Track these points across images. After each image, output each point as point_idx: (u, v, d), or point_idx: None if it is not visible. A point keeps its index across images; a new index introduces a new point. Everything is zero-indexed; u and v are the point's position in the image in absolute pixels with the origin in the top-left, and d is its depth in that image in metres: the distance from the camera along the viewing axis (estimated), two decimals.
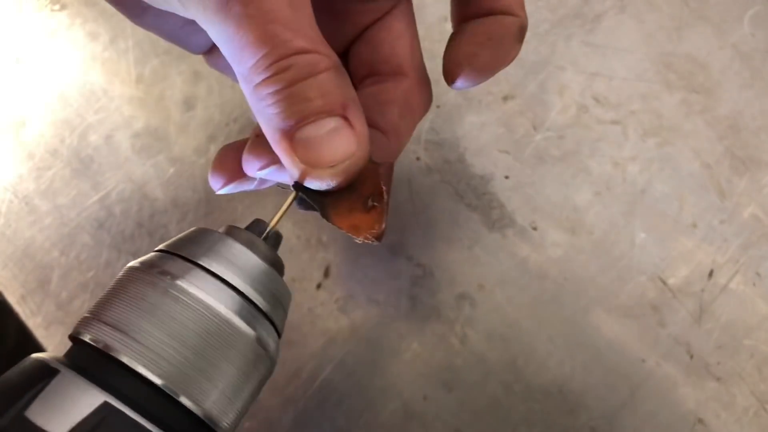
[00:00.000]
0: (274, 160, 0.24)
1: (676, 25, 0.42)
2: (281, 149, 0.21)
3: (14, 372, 0.20)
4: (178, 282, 0.21)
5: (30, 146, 0.41)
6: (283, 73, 0.20)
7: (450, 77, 0.26)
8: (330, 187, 0.23)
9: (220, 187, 0.27)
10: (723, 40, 0.42)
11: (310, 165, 0.21)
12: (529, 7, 0.44)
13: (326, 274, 0.37)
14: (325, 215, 0.25)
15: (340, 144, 0.21)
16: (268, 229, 0.24)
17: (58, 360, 0.20)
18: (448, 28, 0.42)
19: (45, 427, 0.18)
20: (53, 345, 0.37)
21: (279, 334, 0.24)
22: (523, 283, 0.37)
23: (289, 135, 0.21)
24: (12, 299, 0.38)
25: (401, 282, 0.37)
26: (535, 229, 0.38)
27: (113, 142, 0.40)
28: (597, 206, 0.38)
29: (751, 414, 0.35)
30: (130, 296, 0.21)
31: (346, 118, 0.21)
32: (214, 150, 0.40)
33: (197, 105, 0.41)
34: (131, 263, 0.23)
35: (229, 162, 0.26)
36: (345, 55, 0.28)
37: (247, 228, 0.24)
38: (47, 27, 0.43)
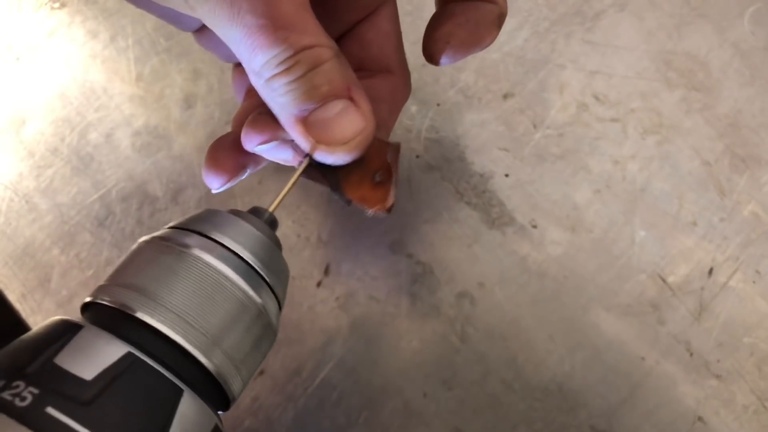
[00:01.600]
0: (274, 137, 0.26)
1: (676, 22, 0.42)
2: (297, 132, 0.24)
3: (38, 330, 0.21)
4: (192, 251, 0.23)
5: (30, 144, 0.41)
6: (292, 67, 0.22)
7: (427, 53, 0.29)
8: (344, 162, 0.25)
9: (219, 186, 0.28)
10: (723, 38, 0.42)
11: (325, 143, 0.24)
12: (529, 5, 0.44)
13: (326, 272, 0.37)
14: (336, 187, 0.27)
15: (350, 122, 0.23)
16: (267, 213, 0.27)
17: (80, 319, 0.21)
18: None
19: (74, 372, 0.19)
20: None
21: (280, 307, 0.26)
22: (523, 281, 0.37)
23: (303, 119, 0.23)
24: (12, 297, 0.38)
25: (401, 280, 0.37)
26: (534, 227, 0.38)
27: (113, 140, 0.41)
28: (597, 204, 0.39)
29: (751, 412, 0.35)
30: (145, 261, 0.23)
31: (352, 99, 0.23)
32: None
33: (197, 103, 0.41)
34: (143, 238, 0.24)
35: (223, 159, 0.28)
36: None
37: (249, 212, 0.26)
38: (47, 25, 0.43)
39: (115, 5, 0.43)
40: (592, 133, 0.40)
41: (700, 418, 0.35)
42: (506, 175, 0.39)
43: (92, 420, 0.18)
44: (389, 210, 0.27)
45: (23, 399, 0.18)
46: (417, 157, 0.40)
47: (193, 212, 0.38)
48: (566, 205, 0.38)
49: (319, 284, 0.37)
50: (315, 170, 0.27)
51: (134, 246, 0.24)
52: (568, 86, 0.41)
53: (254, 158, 0.29)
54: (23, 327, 0.37)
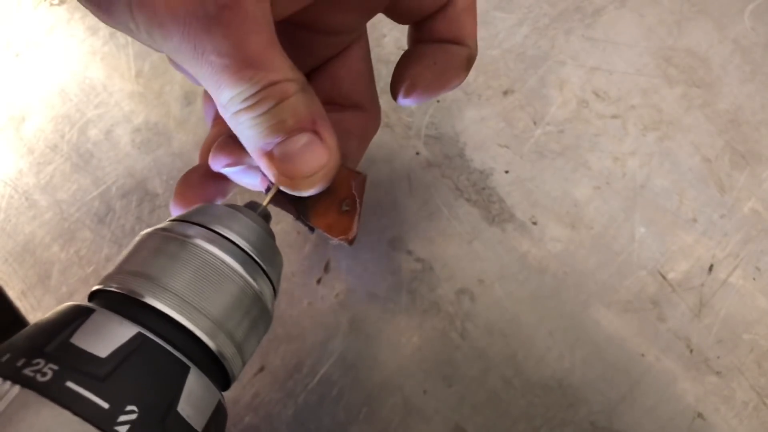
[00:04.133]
0: (241, 162, 0.27)
1: (677, 19, 0.42)
2: (262, 164, 0.24)
3: (52, 315, 0.22)
4: (194, 240, 0.24)
5: (30, 141, 0.41)
6: (258, 103, 0.23)
7: (394, 92, 0.29)
8: (308, 194, 0.26)
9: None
10: (723, 35, 0.42)
11: (288, 177, 0.24)
12: (529, 1, 0.44)
13: (326, 268, 0.37)
14: (302, 215, 0.28)
15: (313, 155, 0.24)
16: (261, 207, 0.28)
17: (91, 304, 0.23)
18: None
19: (90, 350, 0.21)
20: None
21: (275, 292, 0.27)
22: (523, 278, 0.37)
23: (268, 152, 0.24)
24: (12, 294, 0.38)
25: (401, 277, 0.37)
26: (534, 223, 0.38)
27: (113, 137, 0.40)
28: (597, 201, 0.38)
29: (751, 408, 0.35)
30: (150, 251, 0.24)
31: (316, 132, 0.24)
32: None
33: (197, 100, 0.41)
34: (147, 230, 0.25)
35: (190, 195, 0.30)
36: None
37: (244, 206, 0.28)
38: (46, 22, 0.43)
39: None
40: (592, 129, 0.40)
41: (699, 415, 0.35)
42: (506, 172, 0.39)
43: (108, 393, 0.20)
44: (351, 241, 0.28)
45: (44, 375, 0.20)
46: (417, 154, 0.40)
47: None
48: (566, 202, 0.38)
49: (319, 281, 0.37)
50: (282, 197, 0.27)
51: (138, 237, 0.25)
52: (568, 83, 0.41)
53: (221, 191, 0.30)
54: (23, 324, 0.37)
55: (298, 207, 0.28)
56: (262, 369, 0.36)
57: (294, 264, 0.37)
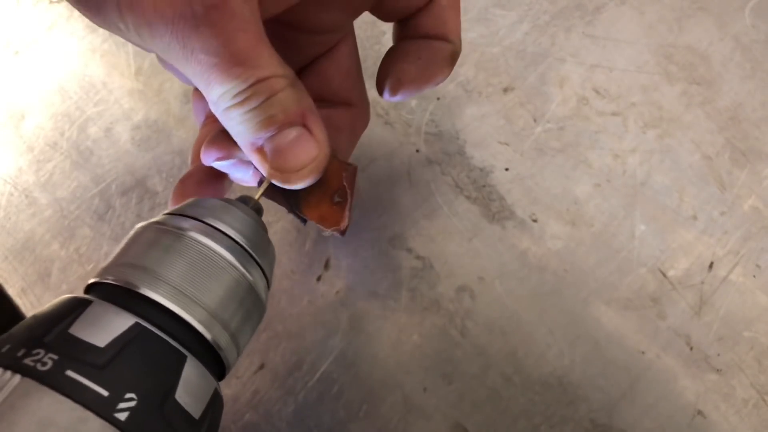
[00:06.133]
0: (232, 155, 0.27)
1: (677, 16, 0.42)
2: (254, 159, 0.25)
3: (50, 306, 0.23)
4: (189, 233, 0.24)
5: (29, 139, 0.41)
6: (248, 99, 0.23)
7: (380, 88, 0.30)
8: (300, 187, 0.26)
9: None
10: (724, 32, 0.42)
11: (280, 171, 0.25)
12: None
13: (326, 266, 0.37)
14: (295, 207, 0.29)
15: (304, 149, 0.24)
16: (253, 201, 0.28)
17: (88, 296, 0.23)
18: None
19: (88, 340, 0.21)
20: None
21: (268, 284, 0.27)
22: (523, 276, 0.37)
23: (259, 147, 0.24)
24: (12, 292, 0.38)
25: (401, 274, 0.37)
26: (535, 221, 0.38)
27: (113, 134, 0.40)
28: (597, 198, 0.38)
29: (751, 406, 0.35)
30: (145, 243, 0.24)
31: (306, 126, 0.24)
32: None
33: None
34: (140, 223, 0.26)
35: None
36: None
37: (237, 199, 0.28)
38: (46, 19, 0.43)
39: None
40: (593, 126, 0.40)
41: (699, 412, 0.35)
42: (506, 169, 0.39)
43: (108, 381, 0.20)
44: (343, 232, 0.29)
45: (44, 364, 0.20)
46: (417, 151, 0.39)
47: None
48: (566, 199, 0.38)
49: (319, 278, 0.37)
50: (275, 190, 0.28)
51: (132, 231, 0.26)
52: (569, 80, 0.41)
53: (217, 194, 0.31)
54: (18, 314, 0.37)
55: (291, 199, 0.29)
56: (262, 366, 0.36)
57: (294, 262, 0.37)
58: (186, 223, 0.25)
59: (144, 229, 0.25)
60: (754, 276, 0.37)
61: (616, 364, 0.35)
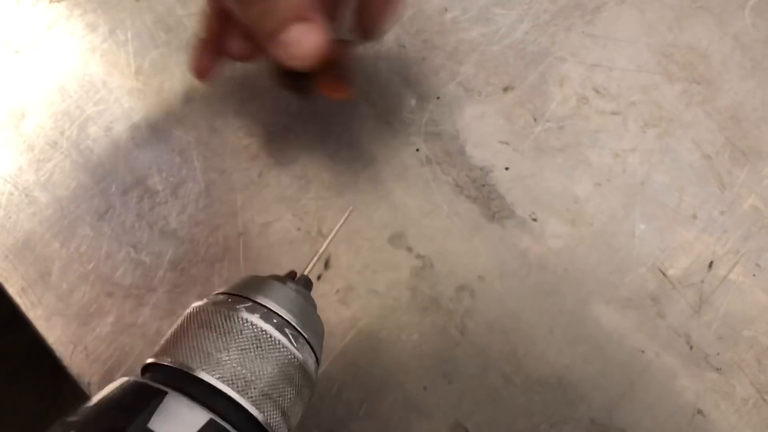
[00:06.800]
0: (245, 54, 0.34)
1: (677, 15, 0.42)
2: (271, 49, 0.29)
3: (115, 391, 0.23)
4: (248, 317, 0.25)
5: (29, 138, 0.41)
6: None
7: (359, 33, 0.34)
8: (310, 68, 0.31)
9: (201, 78, 0.37)
10: (724, 31, 0.42)
11: (293, 59, 0.30)
12: None
13: (326, 265, 0.37)
14: (304, 88, 0.35)
15: (310, 39, 0.29)
16: (302, 276, 0.30)
17: (153, 381, 0.24)
18: (448, 18, 0.42)
19: None
20: (54, 337, 0.37)
21: (318, 360, 0.28)
22: (523, 275, 0.37)
23: (274, 40, 0.29)
24: (12, 291, 0.38)
25: (401, 273, 0.37)
26: (535, 220, 0.38)
27: (113, 133, 0.40)
28: (597, 197, 0.38)
29: (751, 405, 0.35)
30: (205, 327, 0.25)
31: (310, 19, 0.29)
32: (214, 141, 0.40)
33: (197, 96, 0.41)
34: (197, 303, 0.27)
35: (203, 59, 0.36)
36: None
37: (286, 275, 0.30)
38: (46, 18, 0.43)
39: None
40: (593, 126, 0.40)
41: (699, 411, 0.35)
42: (506, 169, 0.39)
43: None
44: (350, 98, 0.35)
45: None
46: (417, 150, 0.39)
47: (192, 204, 0.38)
48: (566, 199, 0.38)
49: (319, 278, 0.37)
50: (286, 77, 0.35)
51: (187, 310, 0.27)
52: (569, 79, 0.41)
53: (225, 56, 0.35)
54: (23, 321, 0.37)
55: (301, 81, 0.34)
56: None
57: (294, 261, 0.37)
58: (246, 307, 0.26)
59: (201, 309, 0.26)
60: (754, 275, 0.37)
61: (616, 363, 0.35)
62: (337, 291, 0.37)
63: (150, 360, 0.25)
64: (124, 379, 0.24)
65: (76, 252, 0.38)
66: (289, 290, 0.28)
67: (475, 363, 0.36)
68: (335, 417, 0.35)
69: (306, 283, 0.30)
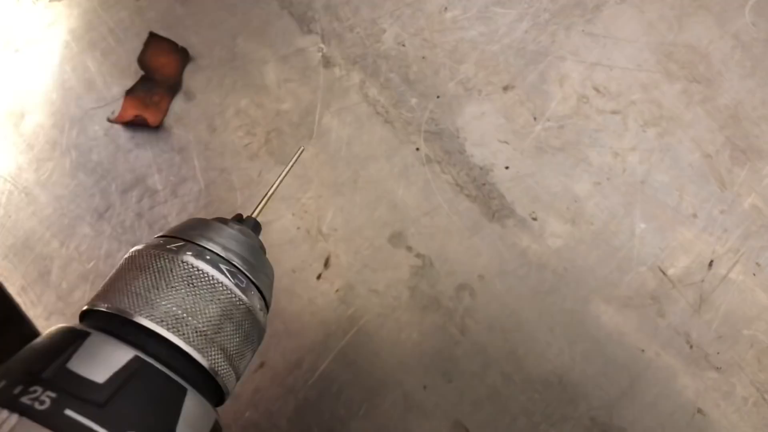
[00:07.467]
0: None
1: (677, 14, 0.42)
2: None
3: (45, 338, 0.22)
4: (180, 256, 0.24)
5: (29, 137, 0.41)
6: None
7: None
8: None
9: None
10: (724, 30, 0.42)
11: None
12: None
13: (326, 264, 0.37)
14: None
15: None
16: (251, 219, 0.29)
17: (84, 326, 0.23)
18: (448, 17, 0.42)
19: (87, 376, 0.20)
20: None
21: (267, 305, 0.27)
22: (523, 274, 0.37)
23: None
24: (12, 290, 0.38)
25: (401, 272, 0.37)
26: (535, 219, 0.38)
27: (113, 133, 0.40)
28: (597, 196, 0.38)
29: (751, 404, 0.35)
30: (137, 268, 0.24)
31: None
32: (214, 140, 0.40)
33: (196, 95, 0.41)
34: (134, 248, 0.25)
35: None
36: None
37: (233, 218, 0.28)
38: (46, 17, 0.43)
39: None
40: (593, 125, 0.40)
41: (699, 410, 0.35)
42: (506, 168, 0.39)
43: (108, 420, 0.19)
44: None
45: (42, 403, 0.19)
46: (417, 149, 0.39)
47: (192, 203, 0.38)
48: (566, 198, 0.38)
49: (319, 277, 0.37)
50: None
51: (125, 255, 0.25)
52: (569, 78, 0.41)
53: None
54: (23, 320, 0.37)
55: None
56: (262, 365, 0.36)
57: (294, 260, 0.37)
58: (179, 247, 0.25)
59: (137, 253, 0.25)
60: (754, 274, 0.37)
61: (616, 362, 0.35)
62: (337, 290, 0.37)
63: (86, 307, 0.24)
64: (57, 326, 0.23)
65: (76, 251, 0.38)
66: (230, 230, 0.26)
67: (475, 362, 0.35)
68: (335, 416, 0.35)
69: (254, 226, 0.29)
